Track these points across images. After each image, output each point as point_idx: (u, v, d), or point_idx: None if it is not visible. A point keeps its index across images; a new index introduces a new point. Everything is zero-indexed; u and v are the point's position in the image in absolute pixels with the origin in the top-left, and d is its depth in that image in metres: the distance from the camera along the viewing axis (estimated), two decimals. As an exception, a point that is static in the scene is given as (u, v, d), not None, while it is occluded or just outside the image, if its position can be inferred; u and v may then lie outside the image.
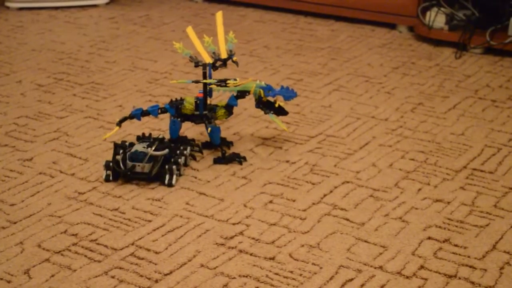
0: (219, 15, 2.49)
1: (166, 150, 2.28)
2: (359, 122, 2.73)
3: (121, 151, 2.29)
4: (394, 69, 3.28)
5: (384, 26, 3.84)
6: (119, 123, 2.42)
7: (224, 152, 2.40)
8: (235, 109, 2.78)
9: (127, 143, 2.34)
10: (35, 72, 3.18)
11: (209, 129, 2.39)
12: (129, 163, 2.25)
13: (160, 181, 2.27)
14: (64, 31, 3.74)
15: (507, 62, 3.36)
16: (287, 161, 2.44)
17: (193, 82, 2.42)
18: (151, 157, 2.25)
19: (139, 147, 2.29)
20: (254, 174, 2.35)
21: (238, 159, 2.40)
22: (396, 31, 3.79)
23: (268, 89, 2.41)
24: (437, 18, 3.56)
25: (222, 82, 2.37)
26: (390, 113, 2.81)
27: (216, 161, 2.41)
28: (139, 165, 2.24)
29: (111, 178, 2.28)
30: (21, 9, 4.09)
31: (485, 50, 3.47)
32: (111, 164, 2.27)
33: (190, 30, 2.49)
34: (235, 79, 2.38)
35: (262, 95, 2.40)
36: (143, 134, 2.40)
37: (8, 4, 4.09)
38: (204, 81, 2.37)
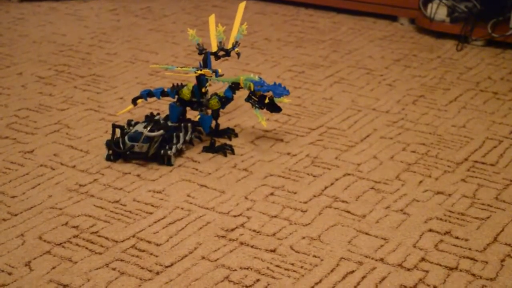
0: (241, 6, 2.49)
1: (161, 132, 2.32)
2: (360, 115, 2.73)
3: (119, 131, 2.35)
4: (395, 61, 3.27)
5: (386, 18, 3.84)
6: (134, 101, 2.55)
7: (213, 142, 2.42)
8: (236, 101, 2.78)
9: (132, 122, 2.40)
10: (36, 64, 3.18)
11: (198, 116, 2.43)
12: (128, 143, 2.31)
13: (157, 160, 2.33)
14: (65, 23, 3.73)
15: (508, 55, 3.36)
16: (288, 153, 2.44)
17: (176, 68, 2.47)
18: (147, 137, 2.30)
19: (139, 127, 2.35)
20: (255, 166, 2.35)
21: (224, 150, 2.41)
22: (398, 23, 3.79)
23: (258, 83, 2.36)
24: (438, 10, 3.55)
25: (200, 71, 2.40)
26: (392, 106, 2.81)
27: (205, 149, 2.43)
28: (137, 145, 2.30)
29: (112, 157, 2.34)
30: (22, 1, 4.08)
31: (487, 42, 3.46)
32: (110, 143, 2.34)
33: (212, 19, 2.49)
34: (215, 70, 2.42)
35: (252, 89, 2.38)
36: (151, 113, 2.46)
37: (8, -4, 4.09)
38: (179, 69, 2.45)
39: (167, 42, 3.48)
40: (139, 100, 2.56)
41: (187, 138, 2.42)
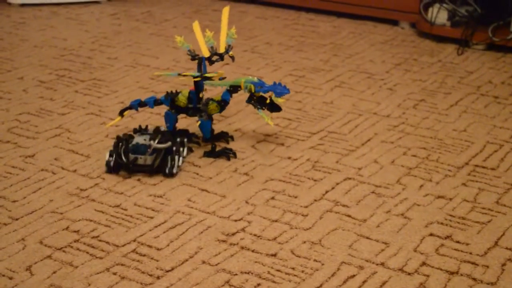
0: (225, 10, 2.50)
1: (169, 143, 2.29)
2: (361, 119, 2.73)
3: (122, 143, 2.30)
4: (396, 65, 3.27)
5: (386, 22, 3.84)
6: (121, 113, 2.53)
7: (214, 146, 2.42)
8: (237, 105, 2.79)
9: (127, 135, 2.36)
10: (37, 69, 3.18)
11: (198, 122, 2.41)
12: (131, 156, 2.27)
13: (162, 172, 2.30)
14: (66, 28, 3.74)
15: (509, 59, 3.36)
16: (289, 158, 2.44)
17: (178, 75, 2.44)
18: (153, 149, 2.26)
19: (139, 139, 2.30)
20: (255, 171, 2.35)
21: (226, 154, 2.40)
22: (398, 27, 3.79)
23: (259, 84, 2.38)
24: (439, 14, 3.56)
25: (205, 77, 2.39)
26: (392, 110, 2.81)
27: (206, 154, 2.42)
28: (141, 158, 2.26)
29: (113, 169, 2.30)
30: (23, 5, 4.09)
31: (488, 46, 3.46)
32: (113, 154, 2.30)
33: (196, 25, 2.50)
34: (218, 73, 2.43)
35: (253, 91, 2.39)
36: (140, 126, 2.41)
37: (10, 0, 4.09)
38: (185, 74, 2.42)
39: (168, 46, 3.48)
40: (126, 112, 2.53)
41: (185, 154, 2.40)
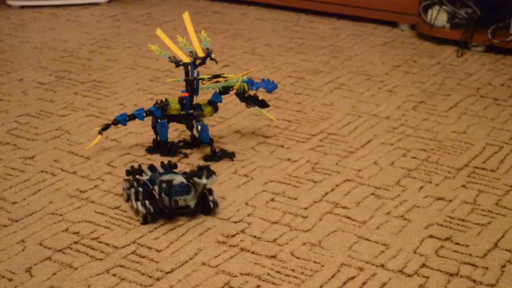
0: (186, 16, 2.49)
1: (215, 177, 2.02)
2: (360, 120, 2.73)
3: (162, 186, 2.03)
4: (395, 67, 3.27)
5: (386, 24, 3.84)
6: (102, 131, 2.40)
7: (214, 150, 2.40)
8: (237, 107, 2.79)
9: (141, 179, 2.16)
10: (36, 70, 3.18)
11: (199, 127, 2.37)
12: (166, 198, 2.04)
13: (202, 210, 2.10)
14: (66, 29, 3.74)
15: (508, 60, 3.36)
16: (289, 159, 2.44)
17: (184, 80, 2.41)
18: (189, 187, 2.06)
19: (178, 178, 2.09)
20: (255, 172, 2.35)
21: (228, 155, 2.41)
22: (398, 29, 3.79)
23: (250, 82, 2.43)
24: (438, 16, 3.56)
25: (214, 78, 2.40)
26: (392, 111, 2.81)
27: (207, 159, 2.41)
28: (180, 199, 2.05)
29: (149, 219, 2.05)
30: (22, 7, 4.09)
31: (487, 48, 3.46)
32: (147, 204, 2.05)
33: (160, 32, 2.49)
34: (226, 74, 2.44)
35: (247, 89, 2.42)
36: (132, 167, 2.21)
37: (9, 2, 4.09)
38: (201, 77, 2.40)
39: (167, 48, 3.48)
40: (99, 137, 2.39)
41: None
